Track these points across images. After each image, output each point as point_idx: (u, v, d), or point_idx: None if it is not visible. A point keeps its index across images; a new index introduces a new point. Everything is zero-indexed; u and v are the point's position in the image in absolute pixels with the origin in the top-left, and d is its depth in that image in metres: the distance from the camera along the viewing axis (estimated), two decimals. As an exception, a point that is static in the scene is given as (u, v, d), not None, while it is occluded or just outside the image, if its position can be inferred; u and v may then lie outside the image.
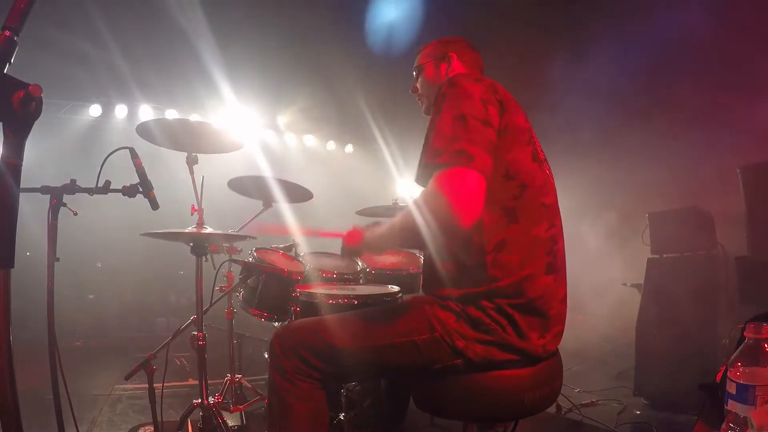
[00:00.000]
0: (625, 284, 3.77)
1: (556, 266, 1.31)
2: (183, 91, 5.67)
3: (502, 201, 1.24)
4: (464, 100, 1.21)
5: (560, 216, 1.39)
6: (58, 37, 4.11)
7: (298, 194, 2.72)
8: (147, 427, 2.55)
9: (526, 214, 1.25)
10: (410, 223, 1.17)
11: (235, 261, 2.65)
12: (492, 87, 1.28)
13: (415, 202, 1.16)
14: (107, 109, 5.97)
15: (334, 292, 1.91)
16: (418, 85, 1.63)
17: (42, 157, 4.43)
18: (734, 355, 1.07)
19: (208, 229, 2.07)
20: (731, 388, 1.05)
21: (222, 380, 2.88)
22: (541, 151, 1.40)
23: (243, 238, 2.32)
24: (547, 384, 1.30)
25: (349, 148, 7.61)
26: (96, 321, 5.68)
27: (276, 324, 2.33)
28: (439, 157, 1.16)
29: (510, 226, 1.24)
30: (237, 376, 2.90)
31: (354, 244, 1.41)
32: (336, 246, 2.75)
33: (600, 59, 4.42)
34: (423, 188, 1.22)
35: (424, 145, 1.24)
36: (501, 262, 1.23)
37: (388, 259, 2.68)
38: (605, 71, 4.49)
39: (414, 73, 1.64)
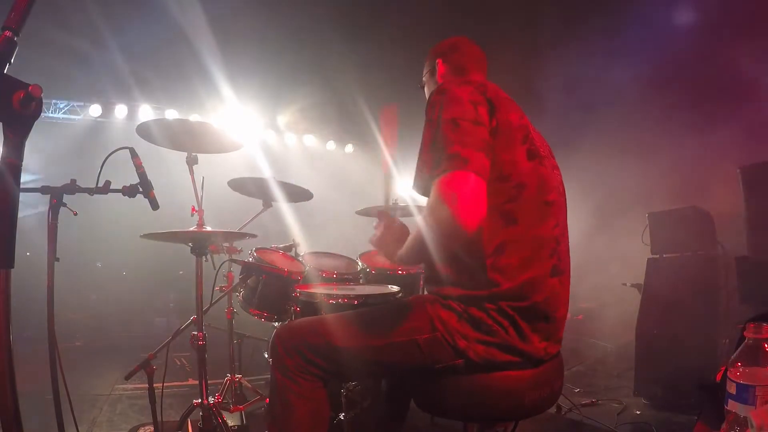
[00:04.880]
0: (625, 284, 3.77)
1: (560, 267, 1.30)
2: (183, 91, 5.67)
3: (498, 204, 1.23)
4: (453, 104, 1.22)
5: (565, 213, 1.38)
6: (58, 37, 4.11)
7: (298, 194, 2.72)
8: (147, 427, 2.55)
9: (525, 215, 1.25)
10: (422, 239, 1.18)
11: (235, 261, 2.65)
12: (481, 87, 1.28)
13: (422, 218, 1.18)
14: (107, 109, 5.97)
15: (334, 292, 1.91)
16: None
17: (42, 156, 4.43)
18: (734, 355, 1.07)
19: (208, 229, 2.07)
20: (731, 388, 1.05)
21: (222, 380, 2.88)
22: (543, 146, 1.38)
23: (243, 236, 2.32)
24: (547, 385, 1.30)
25: (349, 148, 7.61)
26: (96, 321, 5.69)
27: (276, 324, 2.33)
28: (435, 167, 1.16)
29: (508, 228, 1.24)
30: (237, 376, 2.90)
31: (387, 252, 1.41)
32: (336, 246, 2.76)
33: (600, 59, 4.42)
34: (422, 196, 1.25)
35: (418, 156, 1.25)
36: (500, 265, 1.22)
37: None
38: (605, 71, 4.49)
39: (423, 91, 1.69)
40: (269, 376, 1.41)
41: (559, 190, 1.37)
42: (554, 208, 1.32)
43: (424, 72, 1.68)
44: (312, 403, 1.32)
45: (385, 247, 1.41)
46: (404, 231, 1.43)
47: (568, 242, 1.38)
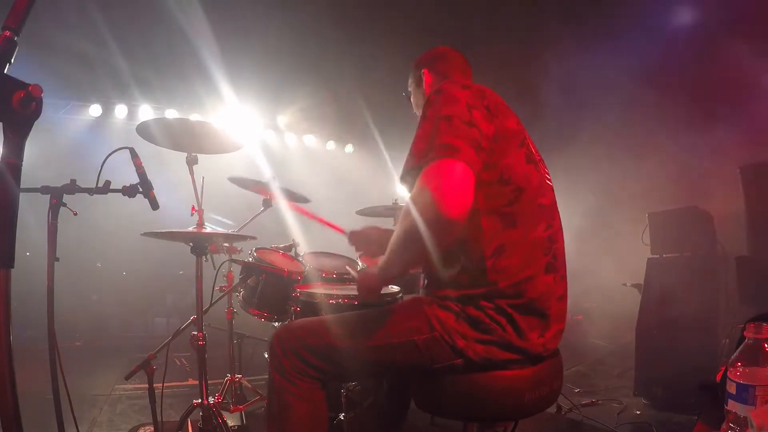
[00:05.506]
0: (625, 284, 3.77)
1: (555, 265, 1.31)
2: (183, 91, 5.66)
3: (499, 206, 1.24)
4: (449, 103, 1.22)
5: (558, 215, 1.39)
6: (58, 37, 4.11)
7: (296, 197, 2.72)
8: (147, 427, 2.55)
9: (523, 218, 1.26)
10: (408, 228, 1.14)
11: (235, 261, 2.66)
12: (480, 93, 1.28)
13: (405, 208, 1.16)
14: (107, 109, 5.97)
15: (334, 292, 1.91)
16: (415, 111, 1.71)
17: (42, 157, 4.42)
18: (734, 355, 1.07)
19: (208, 230, 2.07)
20: (731, 388, 1.05)
21: (222, 380, 2.88)
22: (536, 151, 1.40)
23: (243, 238, 2.32)
24: (546, 384, 1.30)
25: (349, 148, 7.61)
26: (96, 321, 5.68)
27: (276, 324, 2.33)
28: (423, 156, 1.15)
29: (508, 231, 1.24)
30: (237, 376, 2.90)
31: (371, 289, 1.36)
32: (336, 245, 2.76)
33: (600, 59, 4.42)
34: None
35: (409, 150, 1.24)
36: (500, 266, 1.23)
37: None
38: (605, 70, 4.49)
39: (409, 100, 1.73)
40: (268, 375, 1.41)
41: (551, 193, 1.38)
42: (548, 210, 1.33)
43: (410, 82, 1.72)
44: (310, 404, 1.33)
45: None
46: (380, 233, 1.41)
47: (563, 242, 1.39)
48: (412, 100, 1.73)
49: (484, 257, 1.23)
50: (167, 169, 3.14)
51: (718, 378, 1.53)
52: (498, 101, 1.31)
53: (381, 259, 1.30)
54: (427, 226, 1.09)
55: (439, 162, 1.11)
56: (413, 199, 1.13)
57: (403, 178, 1.25)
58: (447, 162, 1.11)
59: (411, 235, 1.12)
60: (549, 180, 1.41)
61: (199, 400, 2.03)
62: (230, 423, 2.30)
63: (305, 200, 2.68)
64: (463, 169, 1.10)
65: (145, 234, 1.95)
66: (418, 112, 1.64)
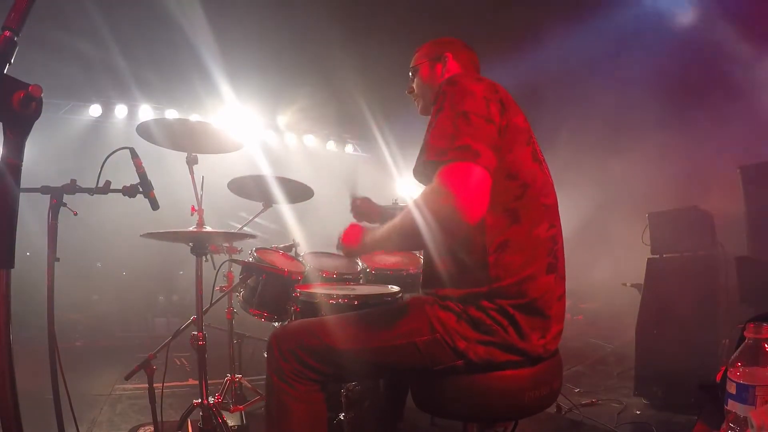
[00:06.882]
0: (625, 284, 3.77)
1: (556, 266, 1.31)
2: (183, 91, 5.68)
3: (504, 201, 1.23)
4: (466, 97, 1.20)
5: (559, 216, 1.39)
6: (58, 37, 4.11)
7: (298, 194, 2.72)
8: (147, 427, 2.55)
9: (527, 215, 1.25)
10: (412, 223, 1.14)
11: (235, 261, 2.65)
12: (492, 86, 1.28)
13: (416, 202, 1.14)
14: (107, 109, 5.98)
15: (334, 292, 1.91)
16: (414, 86, 1.63)
17: (42, 157, 4.42)
18: (734, 355, 1.07)
19: (208, 229, 2.07)
20: (731, 388, 1.05)
21: (222, 380, 2.88)
22: (540, 151, 1.40)
23: (243, 237, 2.32)
24: (546, 384, 1.30)
25: (349, 148, 7.62)
26: (96, 321, 5.68)
27: (276, 324, 2.33)
28: (443, 155, 1.14)
29: (512, 227, 1.24)
30: (237, 376, 2.90)
31: (352, 245, 1.38)
32: (336, 246, 2.76)
33: (600, 57, 4.42)
34: (424, 185, 1.20)
35: (424, 142, 1.23)
36: (503, 262, 1.22)
37: (389, 259, 2.67)
38: (606, 69, 4.49)
39: (410, 74, 1.64)
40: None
41: (554, 194, 1.39)
42: (551, 210, 1.33)
43: (421, 57, 1.61)
44: (309, 406, 1.32)
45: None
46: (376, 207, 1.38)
47: (563, 243, 1.39)
48: (420, 75, 1.60)
49: (486, 252, 1.22)
50: (167, 169, 3.13)
51: (718, 378, 1.53)
52: (508, 97, 1.30)
53: (375, 231, 1.30)
54: (440, 224, 1.10)
55: (459, 164, 1.11)
56: (428, 196, 1.12)
57: (416, 171, 1.24)
58: (467, 166, 1.10)
59: (417, 228, 1.12)
60: (551, 181, 1.41)
61: (199, 400, 2.03)
62: (230, 423, 2.29)
63: (309, 193, 2.67)
64: (482, 174, 1.11)
65: (146, 235, 1.95)
66: (421, 98, 1.61)
